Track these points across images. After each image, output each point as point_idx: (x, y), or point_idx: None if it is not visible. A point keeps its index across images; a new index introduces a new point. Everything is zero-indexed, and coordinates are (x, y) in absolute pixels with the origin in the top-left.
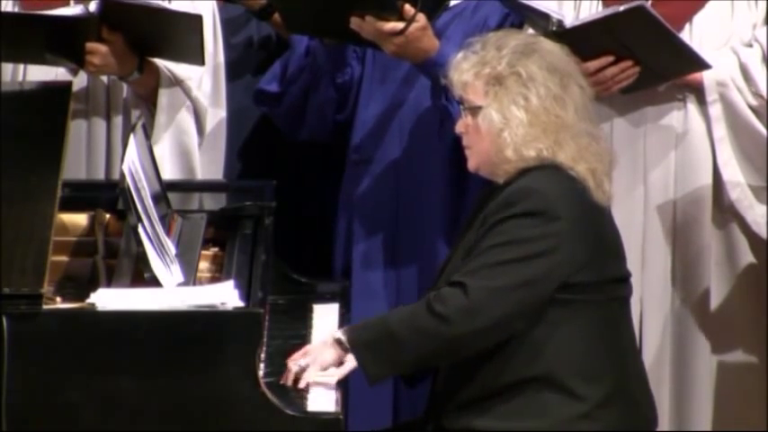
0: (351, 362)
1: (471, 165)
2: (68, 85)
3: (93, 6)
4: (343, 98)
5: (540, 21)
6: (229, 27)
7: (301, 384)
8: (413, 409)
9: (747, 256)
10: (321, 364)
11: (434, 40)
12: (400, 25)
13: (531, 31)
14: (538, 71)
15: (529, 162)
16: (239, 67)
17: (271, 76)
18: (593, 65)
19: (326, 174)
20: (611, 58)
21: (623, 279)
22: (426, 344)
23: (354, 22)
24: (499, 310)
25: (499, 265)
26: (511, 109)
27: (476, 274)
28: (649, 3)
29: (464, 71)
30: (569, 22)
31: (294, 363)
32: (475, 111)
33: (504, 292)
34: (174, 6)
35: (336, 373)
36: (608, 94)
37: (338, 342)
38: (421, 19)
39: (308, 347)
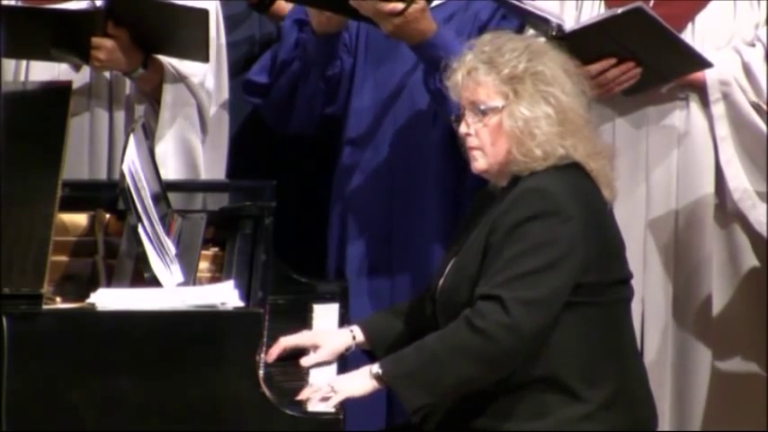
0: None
1: (480, 165)
2: (68, 84)
3: (99, 1)
4: (333, 91)
5: (541, 25)
6: (230, 24)
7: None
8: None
9: (750, 257)
10: (347, 395)
11: (432, 23)
12: (400, 6)
13: (531, 32)
14: (557, 69)
15: (554, 160)
16: (240, 65)
17: (260, 67)
18: (595, 68)
19: (326, 174)
20: (613, 61)
21: (625, 280)
22: (469, 364)
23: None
24: (537, 322)
25: (528, 276)
26: (541, 106)
27: (508, 285)
28: (651, 3)
29: (475, 72)
30: (569, 25)
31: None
32: (493, 111)
33: (539, 304)
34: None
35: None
36: (610, 96)
37: (375, 376)
38: (420, 0)
39: (333, 381)
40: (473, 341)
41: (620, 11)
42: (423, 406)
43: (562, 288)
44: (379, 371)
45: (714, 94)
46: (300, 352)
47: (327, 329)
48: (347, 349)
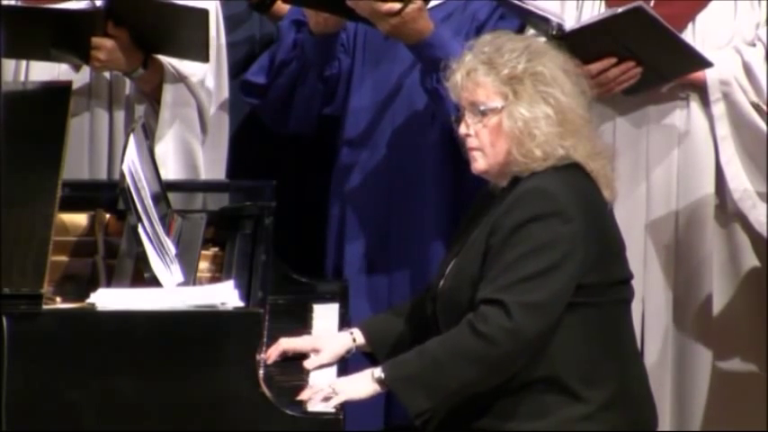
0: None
1: (481, 166)
2: (69, 85)
3: (99, 1)
4: (331, 91)
5: (541, 24)
6: (230, 24)
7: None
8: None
9: (750, 256)
10: (348, 397)
11: (429, 22)
12: (397, 6)
13: (531, 31)
14: (556, 70)
15: (553, 161)
16: (240, 66)
17: (258, 67)
18: (596, 67)
19: (327, 173)
20: (613, 60)
21: (626, 281)
22: (472, 368)
23: (351, 1)
24: (540, 325)
25: (530, 279)
26: (540, 106)
27: (510, 289)
28: (652, 3)
29: (474, 73)
30: (570, 25)
31: (320, 390)
32: (493, 111)
33: (542, 307)
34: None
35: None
36: (610, 95)
37: (378, 380)
38: (417, 0)
39: (335, 383)
40: (476, 345)
41: (620, 10)
42: (425, 410)
43: (564, 290)
44: (382, 375)
45: (714, 93)
46: (300, 354)
47: (327, 333)
48: (347, 352)
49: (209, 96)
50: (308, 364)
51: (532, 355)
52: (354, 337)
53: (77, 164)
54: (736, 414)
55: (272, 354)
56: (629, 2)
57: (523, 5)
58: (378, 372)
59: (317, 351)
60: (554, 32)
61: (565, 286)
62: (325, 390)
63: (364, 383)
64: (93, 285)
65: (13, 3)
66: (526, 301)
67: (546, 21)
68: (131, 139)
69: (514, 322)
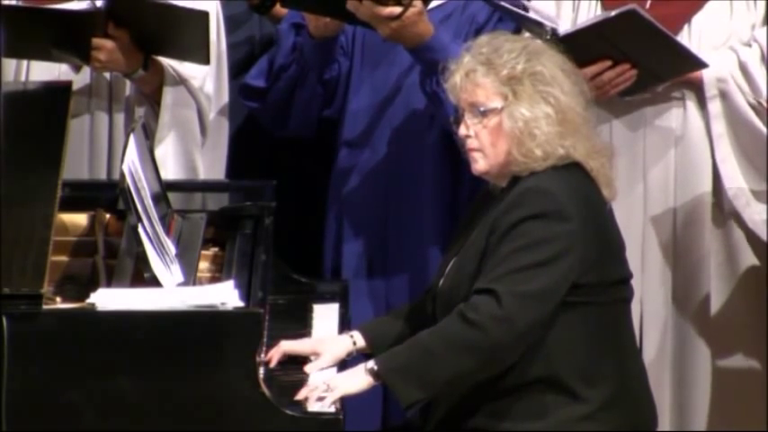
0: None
1: (481, 167)
2: (69, 85)
3: (99, 1)
4: (330, 94)
5: (535, 28)
6: (230, 25)
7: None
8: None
9: (748, 255)
10: (344, 392)
11: (429, 25)
12: (397, 10)
13: (527, 34)
14: (555, 69)
15: (553, 160)
16: (240, 66)
17: (257, 71)
18: (591, 70)
19: (327, 174)
20: (608, 63)
21: (625, 280)
22: (462, 357)
23: (351, 4)
24: (531, 316)
25: (524, 270)
26: (540, 106)
27: (502, 280)
28: (648, 4)
29: (473, 74)
30: (566, 26)
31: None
32: (493, 112)
33: (533, 298)
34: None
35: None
36: (606, 98)
37: (371, 372)
38: (417, 4)
39: (329, 379)
40: (465, 333)
41: (613, 13)
42: (417, 401)
43: (558, 284)
44: (375, 367)
45: (710, 90)
46: (301, 356)
47: (328, 336)
48: (348, 355)
49: (208, 99)
50: (308, 368)
51: (525, 348)
52: (355, 340)
53: (77, 164)
54: (736, 413)
55: (272, 357)
56: (627, 2)
57: (516, 10)
58: (370, 363)
59: (317, 354)
60: (548, 37)
61: (560, 280)
62: (321, 387)
63: (358, 377)
64: (93, 285)
65: (13, 3)
66: (517, 291)
67: (540, 25)
68: (131, 138)
69: (505, 311)
